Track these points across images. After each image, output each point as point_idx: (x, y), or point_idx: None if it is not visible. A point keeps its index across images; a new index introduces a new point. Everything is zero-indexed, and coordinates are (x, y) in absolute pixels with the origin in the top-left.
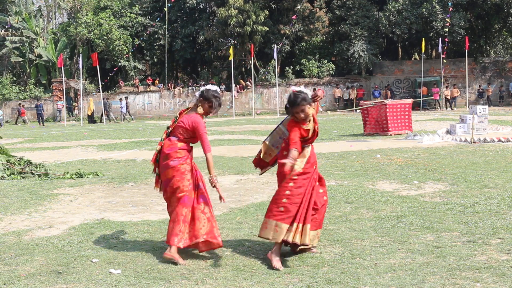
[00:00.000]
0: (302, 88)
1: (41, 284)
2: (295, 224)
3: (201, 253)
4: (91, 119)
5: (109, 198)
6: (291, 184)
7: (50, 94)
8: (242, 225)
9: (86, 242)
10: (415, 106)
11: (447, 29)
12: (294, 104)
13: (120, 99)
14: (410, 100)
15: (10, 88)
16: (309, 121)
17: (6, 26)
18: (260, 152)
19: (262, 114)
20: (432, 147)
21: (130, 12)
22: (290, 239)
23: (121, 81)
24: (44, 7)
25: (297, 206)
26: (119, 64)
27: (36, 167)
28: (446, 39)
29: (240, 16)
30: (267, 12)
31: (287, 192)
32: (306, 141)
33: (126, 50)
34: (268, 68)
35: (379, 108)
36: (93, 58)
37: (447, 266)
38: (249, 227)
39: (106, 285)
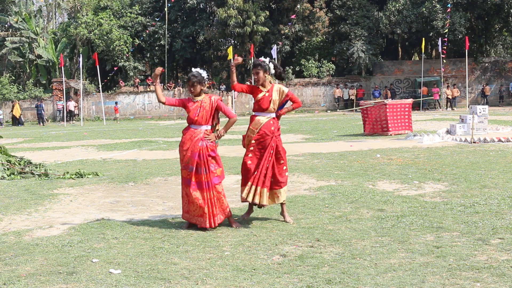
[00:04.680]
0: (267, 59)
1: (41, 284)
2: (253, 187)
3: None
4: (17, 121)
5: (109, 198)
6: (249, 155)
7: (50, 94)
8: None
9: (86, 242)
10: (415, 106)
11: (446, 30)
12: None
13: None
14: (410, 100)
15: (10, 88)
16: (264, 87)
17: (6, 26)
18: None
19: None
20: (432, 147)
21: (130, 12)
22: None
23: (121, 81)
24: (44, 6)
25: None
26: (119, 64)
27: (36, 167)
28: (446, 39)
29: (240, 16)
30: (267, 12)
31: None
32: (259, 107)
33: (126, 50)
34: None
35: (379, 108)
36: (93, 58)
37: (447, 266)
38: (249, 227)
39: (106, 285)
